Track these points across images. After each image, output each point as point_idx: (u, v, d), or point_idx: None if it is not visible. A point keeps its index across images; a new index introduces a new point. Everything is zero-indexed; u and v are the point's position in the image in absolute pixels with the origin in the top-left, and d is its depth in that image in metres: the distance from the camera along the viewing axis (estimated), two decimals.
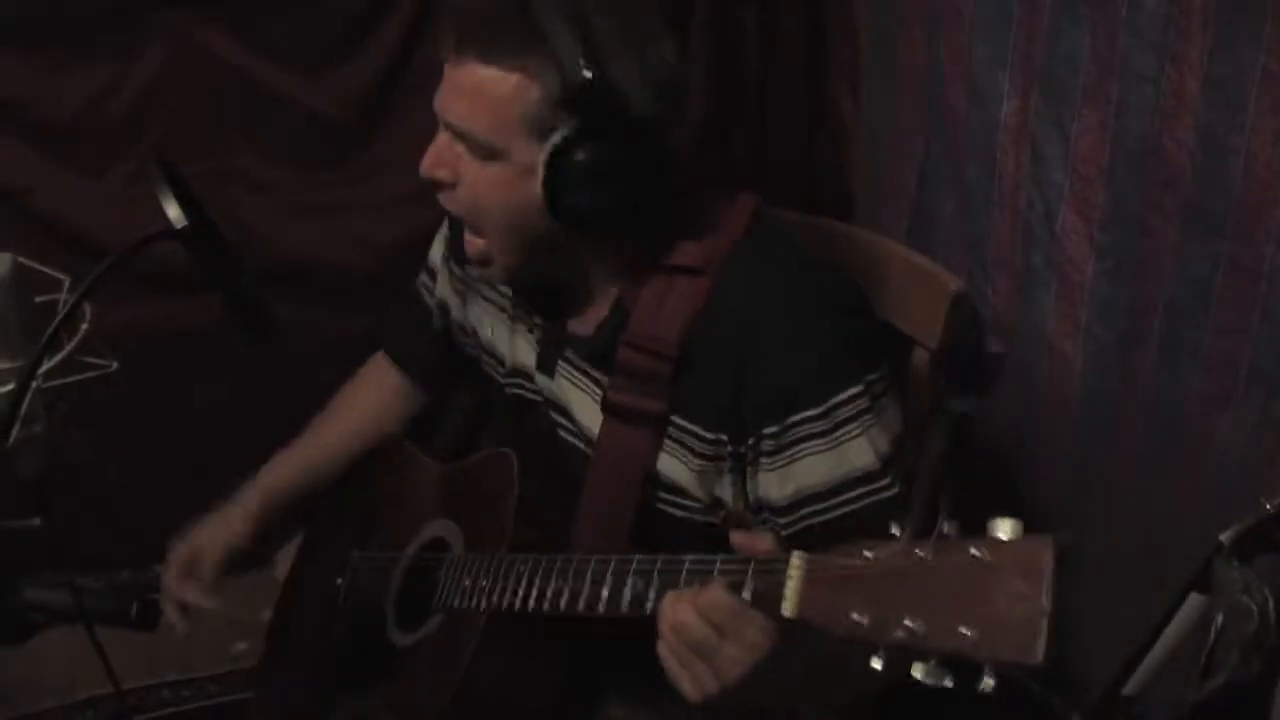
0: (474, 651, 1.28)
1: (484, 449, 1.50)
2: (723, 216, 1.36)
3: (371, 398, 1.75)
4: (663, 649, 1.08)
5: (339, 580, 1.59)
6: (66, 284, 1.24)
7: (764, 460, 1.28)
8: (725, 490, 1.33)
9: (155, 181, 1.16)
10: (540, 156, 1.24)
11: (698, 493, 1.33)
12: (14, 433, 1.06)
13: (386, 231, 2.04)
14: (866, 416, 1.26)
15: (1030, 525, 0.90)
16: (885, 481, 1.26)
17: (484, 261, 1.35)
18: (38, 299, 1.23)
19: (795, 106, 2.03)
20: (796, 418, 1.25)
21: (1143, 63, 1.36)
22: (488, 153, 1.26)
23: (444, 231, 1.64)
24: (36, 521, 1.15)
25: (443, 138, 1.30)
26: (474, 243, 1.34)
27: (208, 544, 1.57)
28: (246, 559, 1.61)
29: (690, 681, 1.06)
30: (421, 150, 1.99)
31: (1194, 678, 1.22)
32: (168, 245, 1.14)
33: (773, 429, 1.26)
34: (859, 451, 1.26)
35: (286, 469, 1.67)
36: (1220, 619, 1.16)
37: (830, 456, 1.25)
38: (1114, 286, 1.47)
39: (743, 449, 1.29)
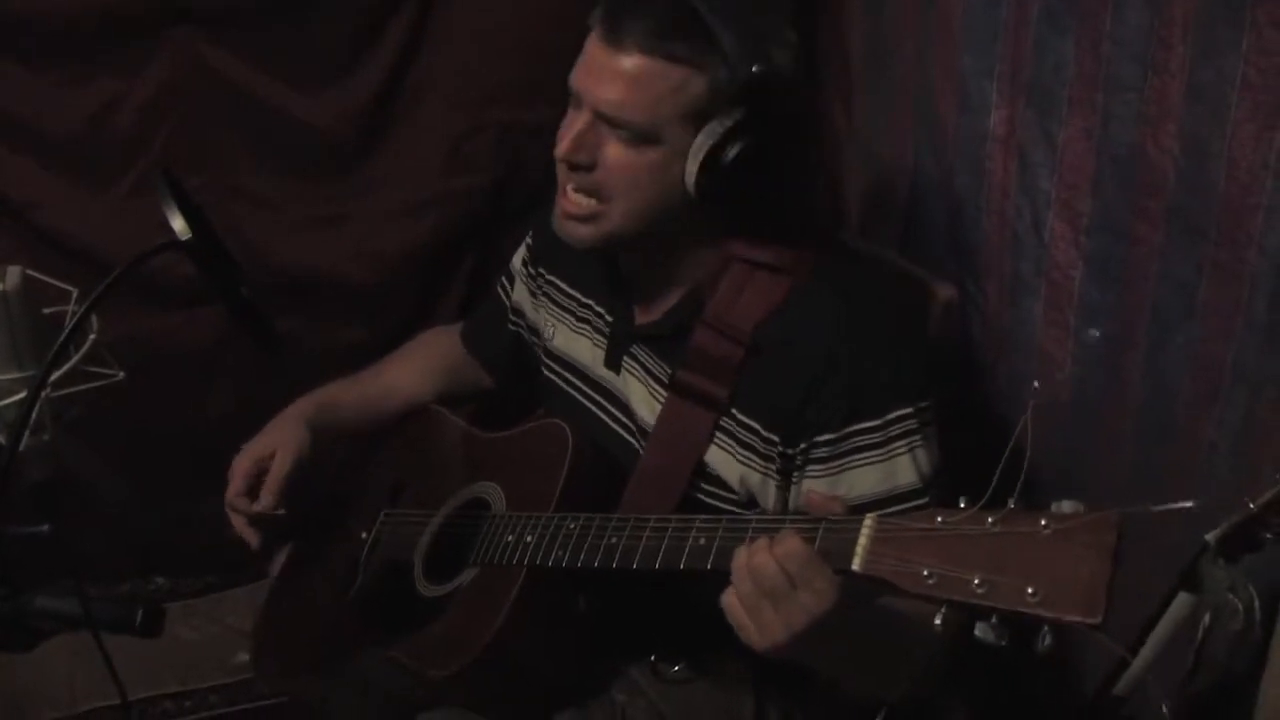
0: (511, 604, 1.32)
1: (533, 420, 1.54)
2: (801, 221, 1.43)
3: (435, 358, 1.79)
4: (731, 596, 1.10)
5: (364, 534, 1.62)
6: (75, 295, 1.25)
7: (813, 467, 1.32)
8: (767, 492, 1.36)
9: (161, 193, 1.17)
10: (694, 143, 1.28)
11: (739, 489, 1.37)
12: (24, 440, 1.08)
13: (386, 244, 2.06)
14: (915, 437, 1.31)
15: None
16: (924, 502, 1.30)
17: (587, 219, 1.35)
18: (46, 310, 1.24)
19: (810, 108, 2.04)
20: (854, 428, 1.30)
21: (1127, 72, 1.38)
22: (641, 139, 1.29)
23: (527, 240, 1.69)
24: (45, 528, 1.17)
25: (582, 120, 1.31)
26: (582, 202, 1.34)
27: (273, 451, 1.57)
28: (311, 472, 1.59)
29: (757, 628, 1.08)
30: (419, 165, 2.04)
31: (1183, 675, 1.23)
32: (169, 259, 1.16)
33: (829, 436, 1.30)
34: (905, 469, 1.31)
35: (340, 390, 1.71)
36: (1207, 617, 1.18)
37: (881, 469, 1.30)
38: (1101, 291, 1.49)
39: (793, 452, 1.33)
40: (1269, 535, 1.13)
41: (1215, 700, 1.27)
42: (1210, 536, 1.14)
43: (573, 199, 1.35)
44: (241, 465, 1.58)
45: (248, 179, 1.99)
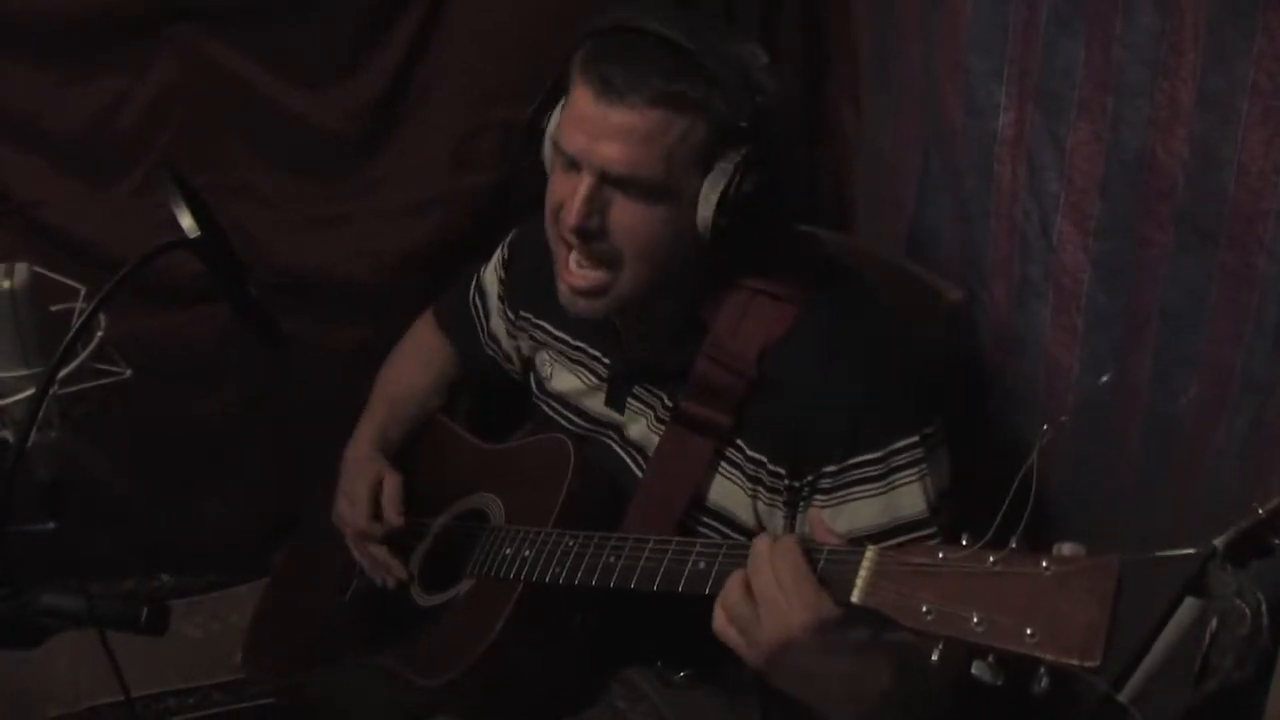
0: (507, 618, 1.32)
1: (536, 434, 1.53)
2: (802, 246, 1.41)
3: (435, 359, 1.78)
4: (723, 615, 1.09)
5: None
6: (83, 293, 1.25)
7: (818, 497, 1.31)
8: (774, 521, 1.35)
9: (169, 191, 1.17)
10: (704, 187, 1.25)
11: (750, 522, 1.35)
12: (31, 438, 1.08)
13: (390, 243, 2.06)
14: (921, 466, 1.29)
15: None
16: (932, 530, 1.29)
17: (599, 293, 1.32)
18: (53, 308, 1.24)
19: (797, 121, 2.05)
20: (855, 460, 1.28)
21: (1136, 76, 1.38)
22: (653, 194, 1.25)
23: (500, 275, 1.66)
24: (51, 526, 1.17)
25: (586, 185, 1.25)
26: (591, 276, 1.31)
27: (376, 476, 1.58)
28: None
29: (754, 647, 1.08)
30: (423, 164, 2.04)
31: (1189, 681, 1.23)
32: (176, 257, 1.15)
33: (832, 468, 1.29)
34: (910, 499, 1.29)
35: (376, 416, 1.70)
36: (1214, 623, 1.18)
37: (882, 500, 1.29)
38: (1109, 296, 1.48)
39: (799, 484, 1.32)
40: (1277, 541, 1.12)
41: (1222, 706, 1.27)
42: (1218, 541, 1.14)
43: (579, 275, 1.31)
44: (358, 494, 1.57)
45: (251, 178, 1.99)
